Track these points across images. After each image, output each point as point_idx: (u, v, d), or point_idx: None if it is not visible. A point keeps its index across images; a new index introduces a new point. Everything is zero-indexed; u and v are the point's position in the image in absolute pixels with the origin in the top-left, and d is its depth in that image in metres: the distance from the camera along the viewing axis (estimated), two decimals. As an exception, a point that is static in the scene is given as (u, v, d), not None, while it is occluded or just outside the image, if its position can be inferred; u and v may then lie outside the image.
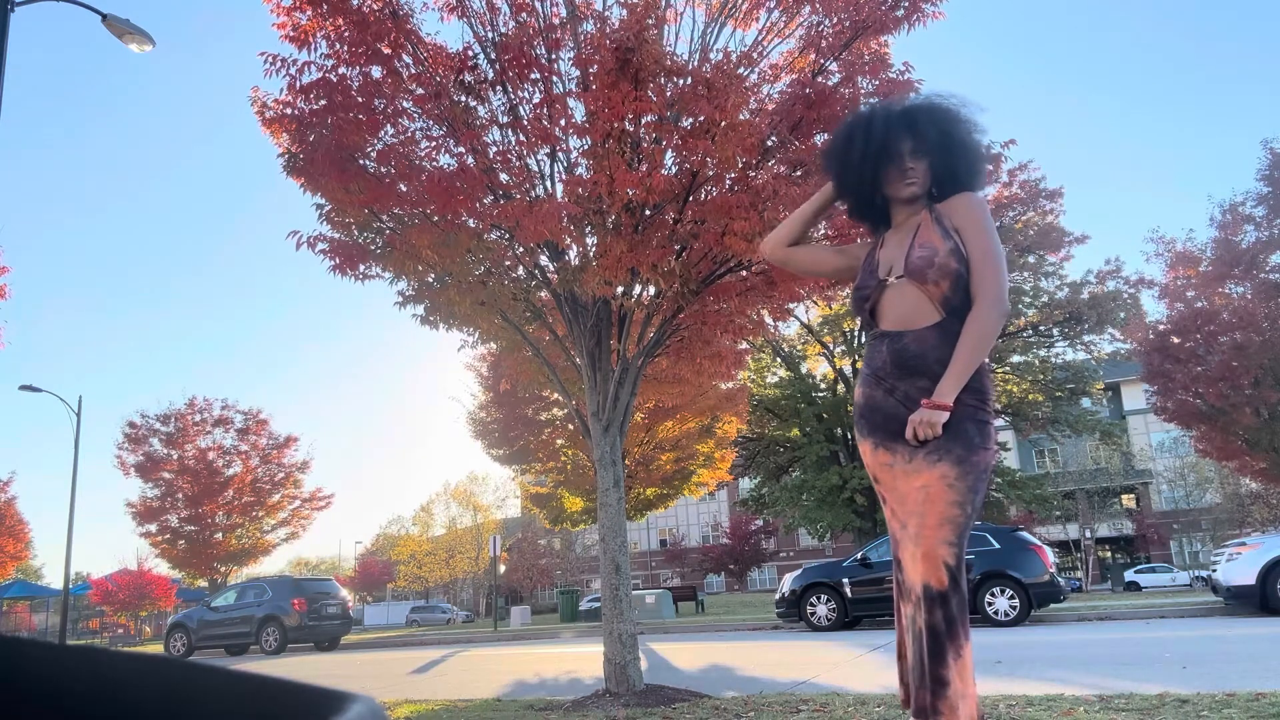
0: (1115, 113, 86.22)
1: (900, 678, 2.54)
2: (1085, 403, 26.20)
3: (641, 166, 4.84)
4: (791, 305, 6.98)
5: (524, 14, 5.16)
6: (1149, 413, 26.75)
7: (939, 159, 2.53)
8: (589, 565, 47.23)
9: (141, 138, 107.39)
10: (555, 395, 14.87)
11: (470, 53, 5.03)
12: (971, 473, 2.33)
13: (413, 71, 5.06)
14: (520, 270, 5.85)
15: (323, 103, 4.94)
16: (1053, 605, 12.20)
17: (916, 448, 2.36)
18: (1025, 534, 11.63)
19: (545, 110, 4.97)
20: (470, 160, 5.02)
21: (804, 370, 26.05)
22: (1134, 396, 42.03)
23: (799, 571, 12.72)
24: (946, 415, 2.32)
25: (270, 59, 4.88)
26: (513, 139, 5.17)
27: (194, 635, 16.78)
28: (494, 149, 5.12)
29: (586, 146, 5.07)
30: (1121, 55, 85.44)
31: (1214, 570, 10.98)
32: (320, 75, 4.93)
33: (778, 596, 12.90)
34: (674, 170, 5.08)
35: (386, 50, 4.96)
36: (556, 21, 5.32)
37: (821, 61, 5.26)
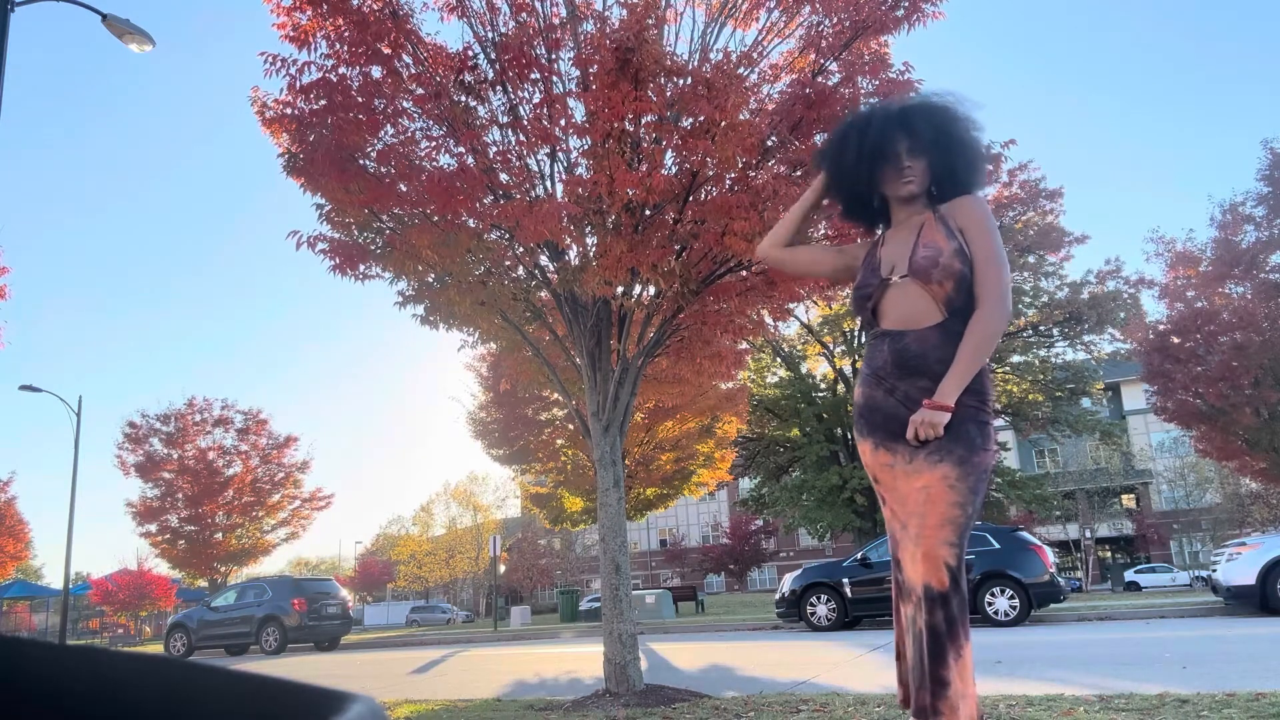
0: (1115, 113, 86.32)
1: (899, 678, 2.54)
2: (1085, 403, 26.20)
3: (641, 166, 4.84)
4: (791, 305, 6.98)
5: (524, 14, 5.16)
6: (1149, 413, 26.76)
7: (937, 157, 2.53)
8: (589, 565, 47.22)
9: (141, 138, 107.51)
10: (555, 395, 14.88)
11: (470, 53, 5.03)
12: (973, 474, 2.33)
13: (413, 71, 5.06)
14: (520, 270, 5.85)
15: (323, 103, 4.94)
16: (1053, 605, 12.19)
17: (917, 448, 2.35)
18: (1025, 534, 11.63)
19: (545, 110, 4.97)
20: (470, 160, 5.02)
21: (804, 370, 26.05)
22: (1134, 396, 42.04)
23: (799, 571, 12.72)
24: (948, 416, 2.32)
25: (270, 59, 4.89)
26: (513, 139, 5.17)
27: (194, 635, 16.79)
28: (494, 149, 5.12)
29: (586, 146, 5.07)
30: (1121, 55, 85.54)
31: (1214, 570, 10.98)
32: (320, 75, 4.93)
33: (778, 596, 12.90)
34: (674, 170, 5.08)
35: (386, 50, 4.96)
36: (556, 21, 5.32)
37: (821, 61, 5.26)
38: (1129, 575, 37.94)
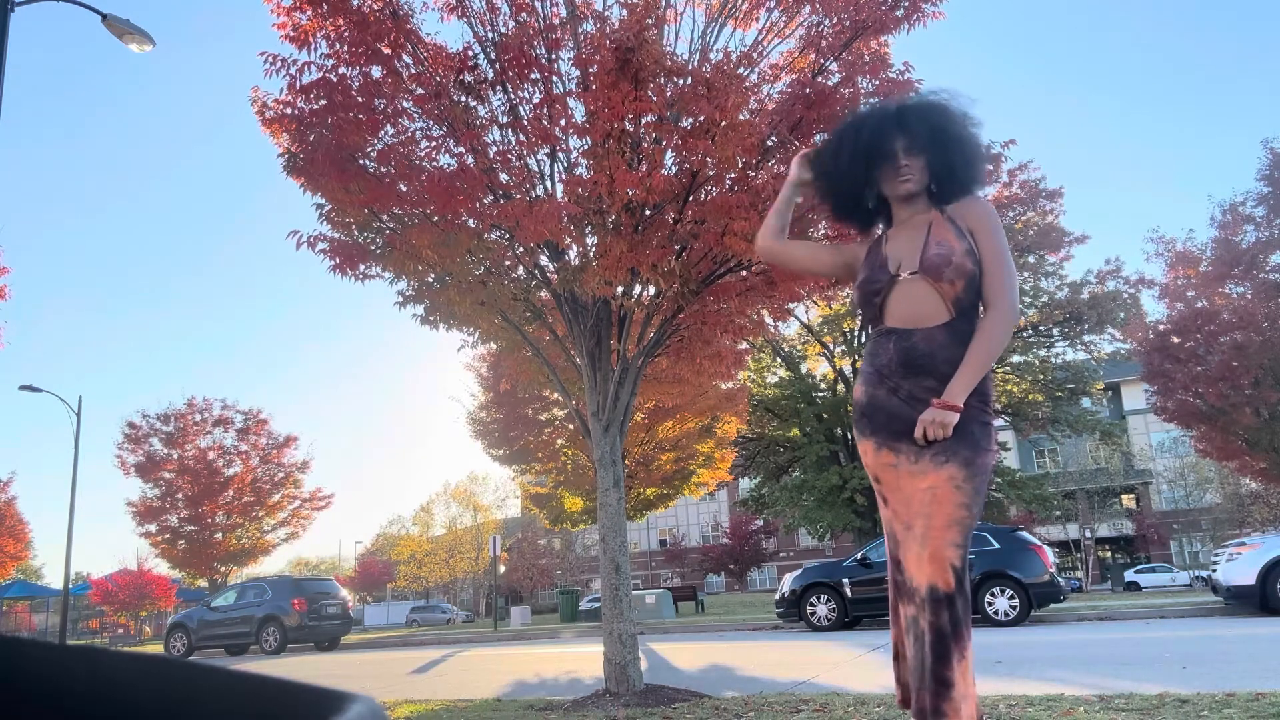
0: (1115, 113, 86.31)
1: (897, 678, 2.53)
2: (1085, 403, 26.20)
3: (641, 166, 4.84)
4: (791, 305, 6.98)
5: (524, 14, 5.16)
6: (1149, 413, 26.76)
7: (935, 155, 2.52)
8: (589, 565, 47.23)
9: (141, 138, 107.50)
10: (555, 395, 14.88)
11: (470, 53, 5.03)
12: (978, 475, 2.32)
13: (413, 71, 5.07)
14: (520, 270, 5.85)
15: (323, 103, 4.94)
16: (1053, 605, 12.20)
17: (923, 448, 2.34)
18: (1025, 534, 11.63)
19: (545, 110, 4.97)
20: (470, 160, 5.02)
21: (804, 370, 26.06)
22: (1134, 396, 42.04)
23: (799, 571, 12.72)
24: (958, 416, 2.31)
25: (270, 59, 4.89)
26: (513, 139, 5.17)
27: (194, 635, 16.79)
28: (494, 149, 5.12)
29: (586, 146, 5.07)
30: (1121, 55, 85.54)
31: (1214, 570, 10.98)
32: (320, 75, 4.93)
33: (778, 596, 12.91)
34: (674, 170, 5.08)
35: (386, 50, 4.96)
36: (556, 21, 5.32)
37: (821, 61, 5.26)
38: (1129, 575, 37.95)
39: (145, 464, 24.36)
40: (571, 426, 16.18)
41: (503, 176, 5.22)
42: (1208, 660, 5.68)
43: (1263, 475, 19.15)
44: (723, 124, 4.66)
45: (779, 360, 26.11)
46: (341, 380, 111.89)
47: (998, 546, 11.13)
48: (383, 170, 5.11)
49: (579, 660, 9.28)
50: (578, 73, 5.09)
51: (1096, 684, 4.68)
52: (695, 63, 5.38)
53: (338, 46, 4.96)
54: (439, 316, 5.96)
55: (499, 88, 5.11)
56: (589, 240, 5.33)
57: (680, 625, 16.37)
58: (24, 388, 20.72)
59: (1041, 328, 23.50)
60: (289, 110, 5.18)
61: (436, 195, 4.82)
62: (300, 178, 5.22)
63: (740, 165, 4.95)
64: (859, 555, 12.29)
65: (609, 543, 5.51)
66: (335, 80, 4.93)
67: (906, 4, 5.01)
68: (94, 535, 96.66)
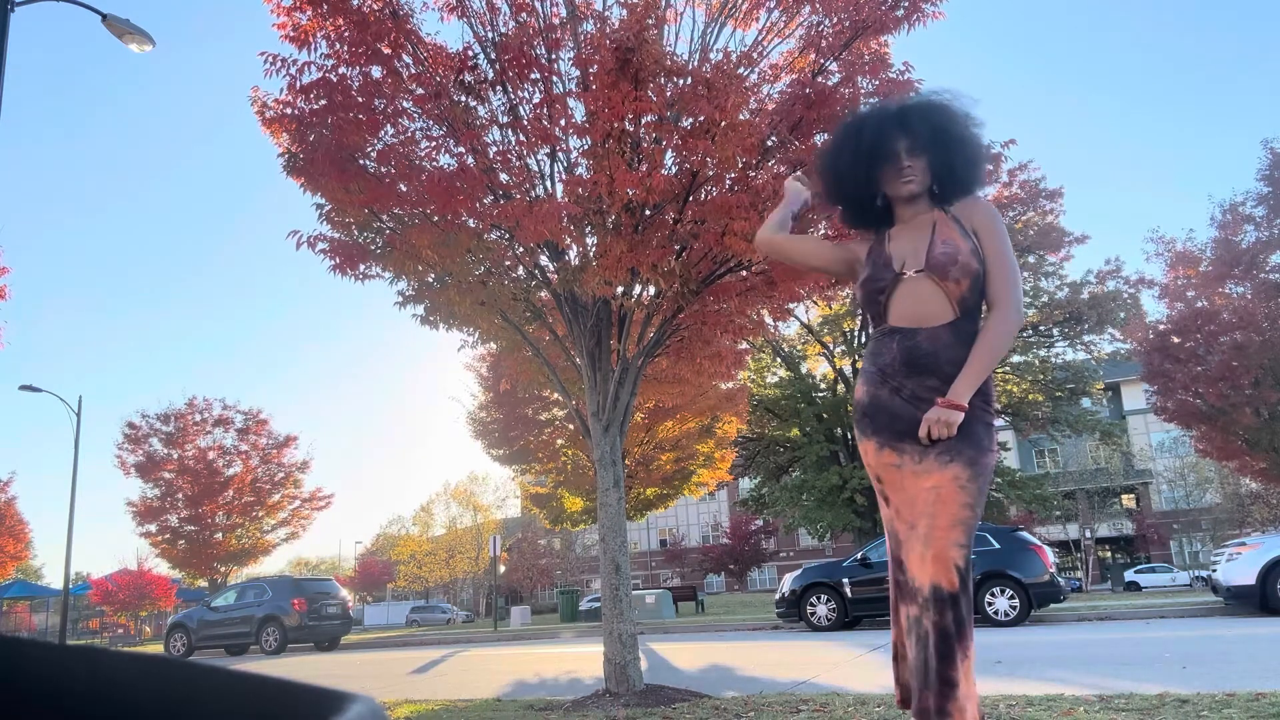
0: (1115, 113, 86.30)
1: (897, 678, 2.52)
2: (1085, 403, 26.20)
3: (641, 166, 4.84)
4: (791, 305, 6.99)
5: (524, 14, 5.16)
6: (1149, 413, 26.76)
7: (936, 155, 2.52)
8: (589, 565, 47.23)
9: (141, 138, 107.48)
10: (555, 395, 14.88)
11: (470, 53, 5.04)
12: (981, 475, 2.32)
13: (413, 71, 5.07)
14: (520, 270, 5.85)
15: (323, 103, 4.94)
16: (1053, 605, 12.19)
17: (927, 448, 2.33)
18: (1025, 534, 11.63)
19: (545, 110, 4.97)
20: (470, 160, 5.02)
21: (804, 370, 26.06)
22: (1134, 396, 42.04)
23: (799, 571, 12.72)
24: (963, 416, 2.30)
25: (270, 59, 4.89)
26: (513, 139, 5.17)
27: (194, 635, 16.79)
28: (494, 149, 5.12)
29: (586, 146, 5.07)
30: (1121, 55, 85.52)
31: (1214, 570, 10.98)
32: (320, 75, 4.94)
33: (778, 596, 12.91)
34: (674, 170, 5.08)
35: (386, 50, 4.96)
36: (556, 21, 5.32)
37: (821, 61, 5.26)
38: (1129, 575, 37.94)
39: (145, 464, 24.36)
40: (571, 426, 16.18)
41: (503, 176, 5.22)
42: (1208, 660, 5.68)
43: (1263, 475, 19.15)
44: (723, 124, 4.66)
45: (779, 360, 26.11)
46: (341, 380, 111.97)
47: (998, 546, 11.13)
48: (383, 170, 5.11)
49: (579, 660, 9.28)
50: (578, 73, 5.09)
51: (1096, 684, 4.68)
52: (695, 63, 5.38)
53: (338, 46, 4.97)
54: (439, 316, 5.96)
55: (499, 88, 5.11)
56: (589, 240, 5.34)
57: (680, 625, 16.37)
58: (24, 388, 20.73)
59: (1041, 328, 23.51)
60: (289, 110, 5.18)
61: (436, 195, 4.82)
62: (300, 178, 5.22)
63: (740, 165, 4.95)
64: (859, 555, 12.29)
65: (609, 543, 5.51)
66: (335, 80, 4.94)
67: (906, 4, 5.01)
68: (94, 535, 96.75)
